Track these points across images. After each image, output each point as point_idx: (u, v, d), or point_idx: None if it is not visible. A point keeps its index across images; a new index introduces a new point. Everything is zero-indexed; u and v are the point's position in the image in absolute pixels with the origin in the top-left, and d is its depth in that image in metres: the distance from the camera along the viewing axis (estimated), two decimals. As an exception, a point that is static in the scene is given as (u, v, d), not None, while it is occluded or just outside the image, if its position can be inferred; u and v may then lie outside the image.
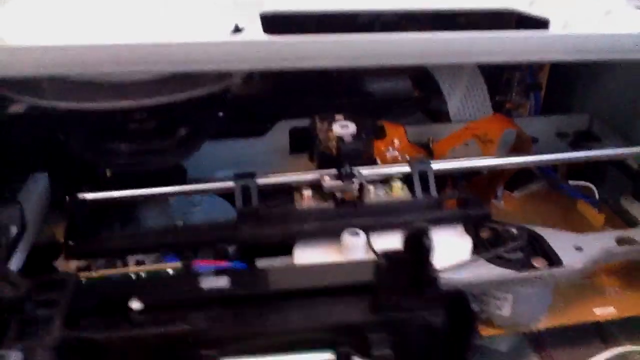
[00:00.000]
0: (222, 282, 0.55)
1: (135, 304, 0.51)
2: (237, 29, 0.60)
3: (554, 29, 0.66)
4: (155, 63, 0.57)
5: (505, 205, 0.88)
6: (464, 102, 0.99)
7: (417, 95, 1.03)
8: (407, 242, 0.50)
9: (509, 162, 0.77)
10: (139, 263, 0.66)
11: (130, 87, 0.66)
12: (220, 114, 0.83)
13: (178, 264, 0.63)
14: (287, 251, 0.67)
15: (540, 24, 0.68)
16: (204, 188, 0.71)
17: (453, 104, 0.98)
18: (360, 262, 0.58)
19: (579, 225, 0.83)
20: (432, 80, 0.98)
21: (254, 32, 0.60)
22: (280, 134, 0.93)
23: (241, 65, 0.62)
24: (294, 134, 0.92)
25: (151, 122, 0.73)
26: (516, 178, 0.89)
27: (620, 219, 0.79)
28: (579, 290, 0.73)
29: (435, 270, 0.51)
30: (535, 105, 0.99)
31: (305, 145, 0.83)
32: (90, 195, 0.68)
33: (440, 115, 1.00)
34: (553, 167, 0.90)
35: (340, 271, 0.57)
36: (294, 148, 0.92)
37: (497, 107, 1.01)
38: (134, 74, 0.65)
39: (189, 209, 0.82)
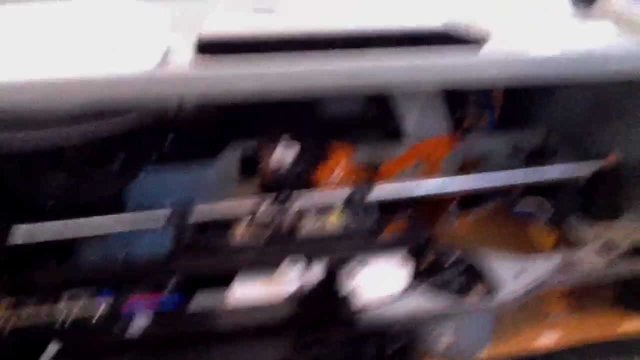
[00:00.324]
0: (144, 325, 0.54)
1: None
2: (165, 58, 0.58)
3: (486, 50, 0.64)
4: (70, 99, 0.55)
5: (457, 226, 0.87)
6: (421, 119, 0.97)
7: (372, 113, 1.01)
8: (325, 279, 0.49)
9: (453, 185, 0.75)
10: (72, 298, 0.64)
11: (59, 118, 0.64)
12: (163, 139, 0.81)
13: (109, 301, 0.62)
14: (228, 281, 0.65)
15: (474, 43, 0.66)
16: (137, 220, 0.69)
17: (409, 122, 0.97)
18: (281, 299, 0.56)
19: (531, 244, 0.81)
20: (388, 99, 0.97)
21: (184, 60, 0.58)
22: (231, 157, 0.91)
23: (164, 98, 0.60)
24: (244, 157, 0.90)
25: (84, 153, 0.71)
26: (470, 197, 0.88)
27: (570, 237, 0.77)
28: (523, 316, 0.71)
29: (353, 309, 0.50)
30: (490, 121, 0.98)
31: (255, 169, 0.81)
32: (21, 229, 0.67)
33: (396, 133, 0.98)
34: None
35: (263, 310, 0.55)
36: (245, 172, 0.90)
37: (457, 123, 0.99)
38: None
39: (134, 239, 0.80)
